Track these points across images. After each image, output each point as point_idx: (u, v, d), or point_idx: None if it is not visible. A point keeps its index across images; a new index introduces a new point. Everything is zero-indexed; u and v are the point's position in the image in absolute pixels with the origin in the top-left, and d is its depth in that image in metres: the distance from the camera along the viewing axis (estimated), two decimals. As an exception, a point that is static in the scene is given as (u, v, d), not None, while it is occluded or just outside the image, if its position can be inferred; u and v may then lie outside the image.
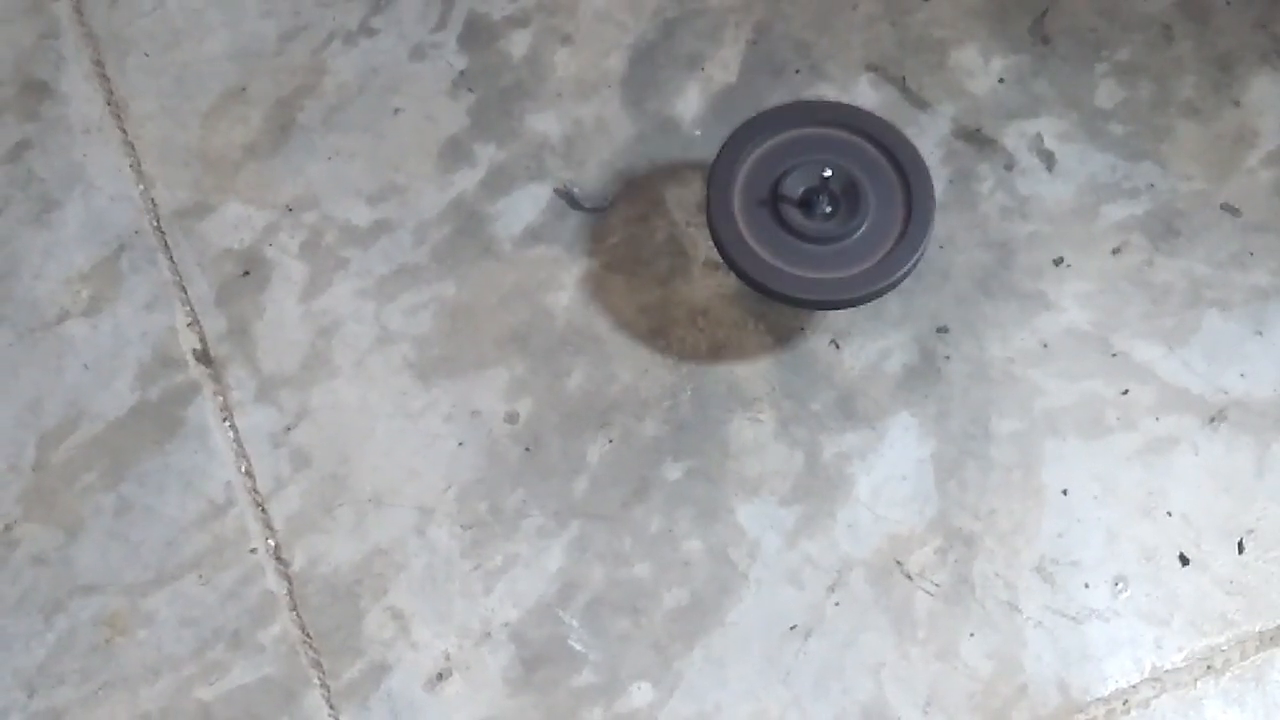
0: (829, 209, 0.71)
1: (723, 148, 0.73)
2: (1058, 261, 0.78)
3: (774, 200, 0.72)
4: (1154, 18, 0.84)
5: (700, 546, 0.71)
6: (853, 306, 0.73)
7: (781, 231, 0.71)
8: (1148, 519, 0.71)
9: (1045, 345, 0.75)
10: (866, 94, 0.82)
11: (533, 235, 0.78)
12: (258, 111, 0.81)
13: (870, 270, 0.70)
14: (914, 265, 0.71)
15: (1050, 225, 0.78)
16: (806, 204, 0.71)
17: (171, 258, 0.78)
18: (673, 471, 0.73)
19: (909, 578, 0.70)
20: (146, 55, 0.83)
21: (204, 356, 0.75)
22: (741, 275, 0.72)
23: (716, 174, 0.72)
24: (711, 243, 0.74)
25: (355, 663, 0.69)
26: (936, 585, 0.70)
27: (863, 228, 0.71)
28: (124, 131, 0.81)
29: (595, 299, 0.77)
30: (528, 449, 0.73)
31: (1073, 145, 0.80)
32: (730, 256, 0.72)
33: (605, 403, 0.74)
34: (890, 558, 0.71)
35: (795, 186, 0.72)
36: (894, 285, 0.71)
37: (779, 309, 0.76)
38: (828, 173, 0.71)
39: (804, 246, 0.71)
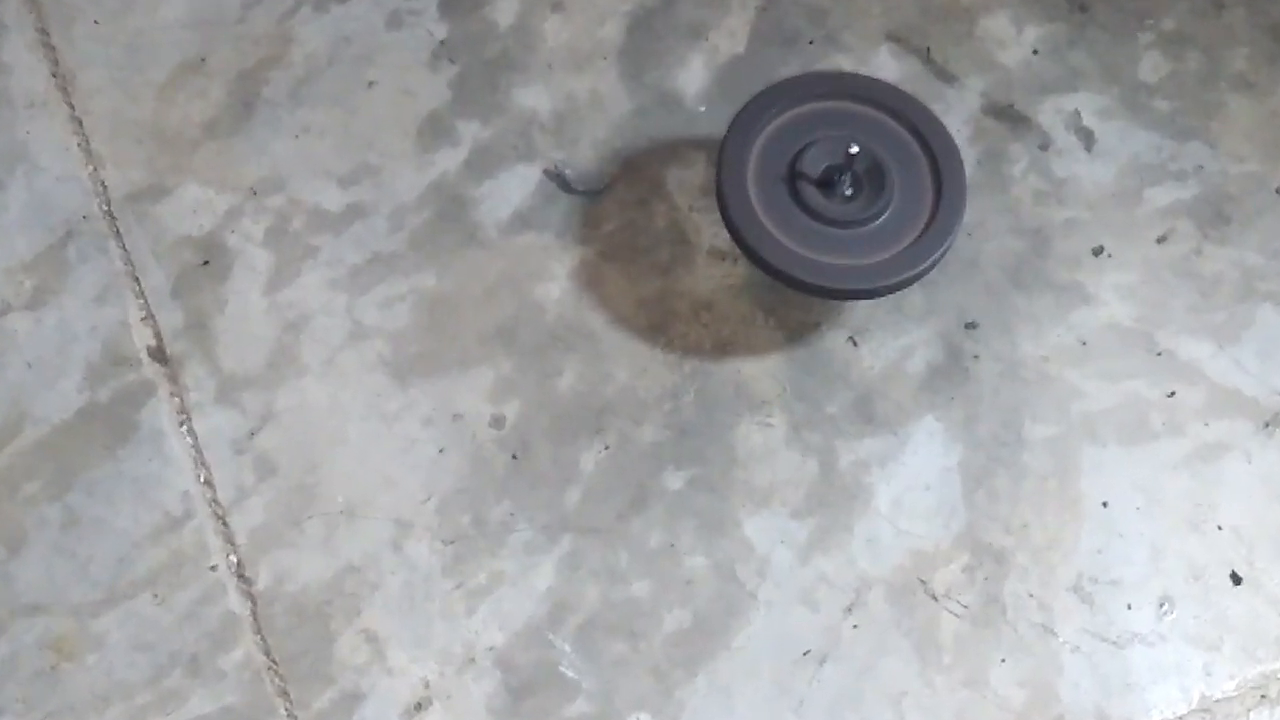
0: (850, 190, 0.70)
1: (737, 117, 0.72)
2: (1097, 250, 0.77)
3: (791, 178, 0.70)
4: (1203, -18, 0.83)
5: (704, 563, 0.70)
6: (875, 297, 0.71)
7: (798, 212, 0.70)
8: (1196, 533, 0.71)
9: (1083, 342, 0.75)
10: (887, 66, 0.81)
11: (521, 221, 0.78)
12: (218, 85, 0.80)
13: (895, 258, 0.69)
14: (943, 254, 0.70)
15: (1089, 211, 0.78)
16: (827, 184, 0.70)
17: (123, 245, 0.77)
18: (674, 481, 0.72)
19: (934, 598, 0.69)
20: (96, 23, 0.81)
21: (159, 354, 0.74)
22: (753, 258, 0.70)
23: (729, 146, 0.71)
24: (717, 229, 0.73)
25: (325, 691, 0.68)
26: (964, 606, 0.69)
27: (887, 212, 0.70)
28: (71, 106, 0.79)
29: (589, 291, 0.76)
30: (515, 456, 0.72)
31: (1114, 123, 0.79)
32: (742, 237, 0.70)
33: (600, 405, 0.73)
34: (913, 576, 0.70)
35: (816, 164, 0.70)
36: (921, 275, 0.70)
37: (791, 302, 0.75)
38: (854, 149, 0.69)
39: (823, 230, 0.70)
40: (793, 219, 0.70)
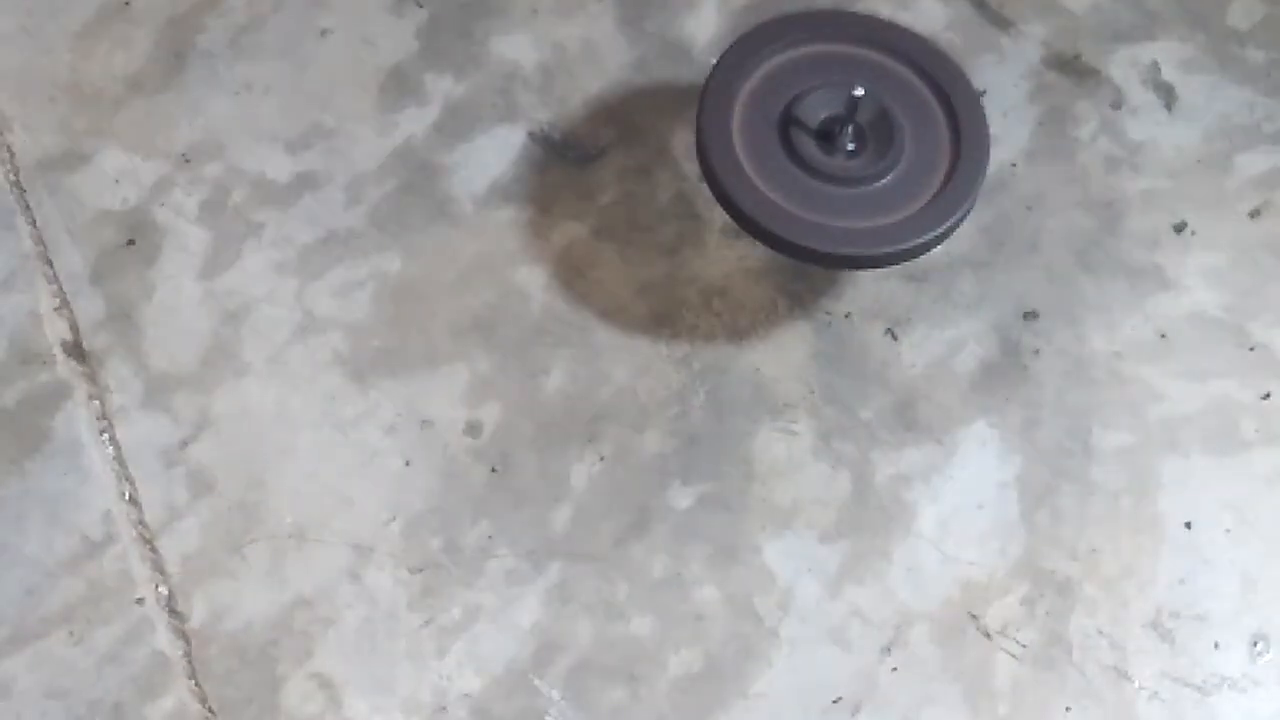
0: (853, 144, 0.69)
1: (726, 53, 0.70)
2: (1179, 227, 0.75)
3: (785, 126, 0.69)
4: (1302, -88, 0.83)
5: (717, 595, 0.67)
6: (876, 266, 0.70)
7: (792, 165, 0.68)
8: None
9: (1163, 335, 0.73)
10: (932, 10, 0.78)
11: (501, 193, 0.75)
12: (144, 32, 0.78)
13: (902, 223, 0.67)
14: (959, 220, 0.68)
15: (1170, 180, 0.76)
16: (827, 135, 0.69)
17: (34, 222, 0.74)
18: (681, 499, 0.69)
19: (987, 636, 0.66)
20: None
21: (76, 350, 0.71)
22: (733, 211, 0.68)
23: (714, 84, 0.69)
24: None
25: None
26: (1022, 645, 0.66)
27: (895, 170, 0.68)
28: None
29: (582, 275, 0.73)
30: (494, 469, 0.69)
31: (1199, 77, 0.78)
32: (721, 187, 0.68)
33: (594, 410, 0.71)
34: (963, 610, 0.67)
35: (814, 112, 0.69)
36: (932, 244, 0.68)
37: (819, 288, 0.73)
38: (860, 91, 0.67)
39: (820, 187, 0.68)
40: (784, 172, 0.68)
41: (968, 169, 0.68)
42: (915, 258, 0.68)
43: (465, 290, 0.72)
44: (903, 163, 0.68)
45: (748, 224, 0.67)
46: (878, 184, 0.68)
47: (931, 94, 0.69)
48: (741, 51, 0.69)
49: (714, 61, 0.70)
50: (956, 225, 0.68)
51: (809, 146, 0.68)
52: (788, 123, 0.68)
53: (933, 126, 0.69)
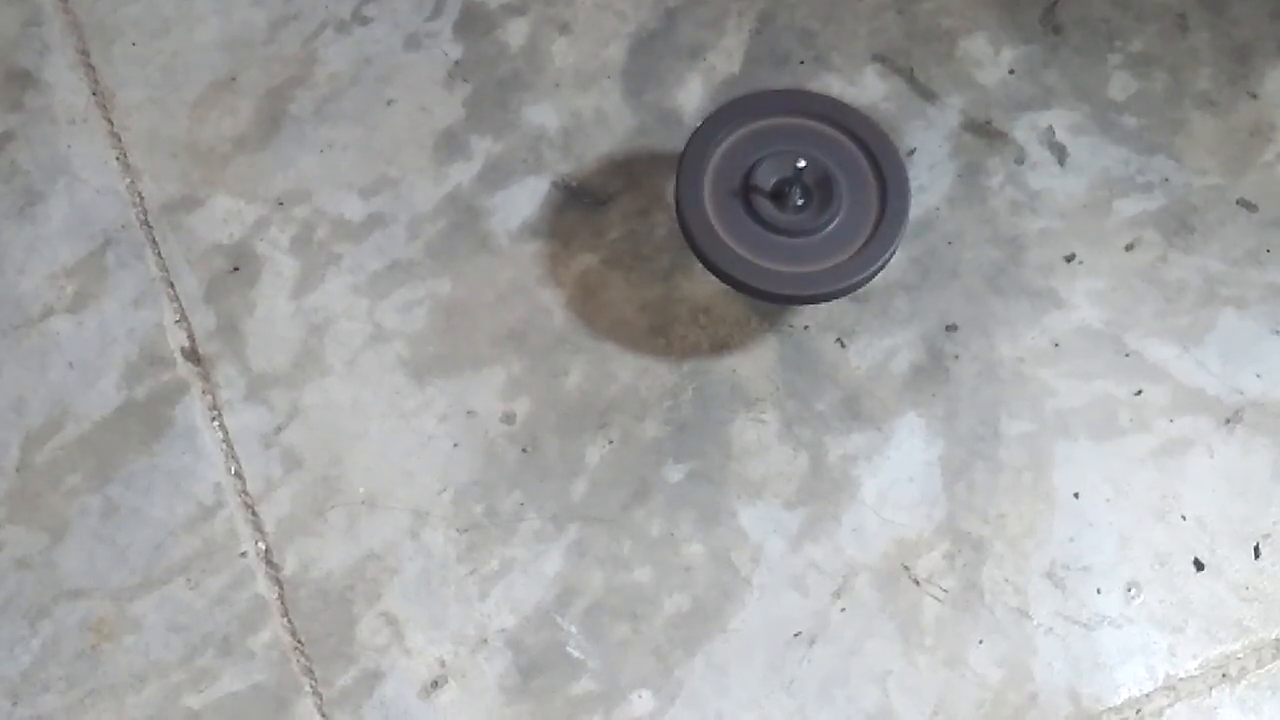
0: (801, 201, 0.70)
1: (694, 134, 0.71)
2: (1069, 258, 0.76)
3: (745, 191, 0.70)
4: (1168, 7, 0.82)
5: (702, 551, 0.70)
6: (818, 302, 0.71)
7: (751, 223, 0.69)
8: (1161, 523, 0.70)
9: (1056, 344, 0.74)
10: (873, 85, 0.80)
11: (530, 230, 0.77)
12: (248, 102, 0.79)
13: (840, 266, 0.68)
14: (885, 262, 0.69)
15: (1062, 221, 0.77)
16: (778, 195, 0.70)
17: (159, 253, 0.76)
18: (674, 473, 0.71)
19: (916, 583, 0.69)
20: (133, 44, 0.81)
21: (192, 354, 0.74)
22: (710, 266, 0.70)
23: (687, 158, 0.70)
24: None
25: (348, 670, 0.67)
26: (944, 591, 0.69)
27: (835, 222, 0.69)
28: (110, 122, 0.79)
29: (594, 296, 0.75)
30: (525, 450, 0.72)
31: (1085, 138, 0.78)
32: (698, 247, 0.70)
33: (604, 403, 0.73)
34: (897, 562, 0.69)
35: (767, 177, 0.70)
36: (863, 282, 0.69)
37: (783, 307, 0.75)
38: (802, 163, 0.69)
39: (774, 239, 0.69)
40: (746, 229, 0.69)
41: (892, 217, 0.69)
42: (850, 294, 0.70)
43: (502, 308, 0.74)
44: (841, 214, 0.69)
45: (721, 275, 0.69)
46: (821, 233, 0.69)
47: (863, 155, 0.70)
48: (709, 128, 0.70)
49: (689, 137, 0.71)
50: (883, 266, 0.69)
51: (765, 206, 0.69)
52: (747, 188, 0.69)
53: (864, 182, 0.70)
